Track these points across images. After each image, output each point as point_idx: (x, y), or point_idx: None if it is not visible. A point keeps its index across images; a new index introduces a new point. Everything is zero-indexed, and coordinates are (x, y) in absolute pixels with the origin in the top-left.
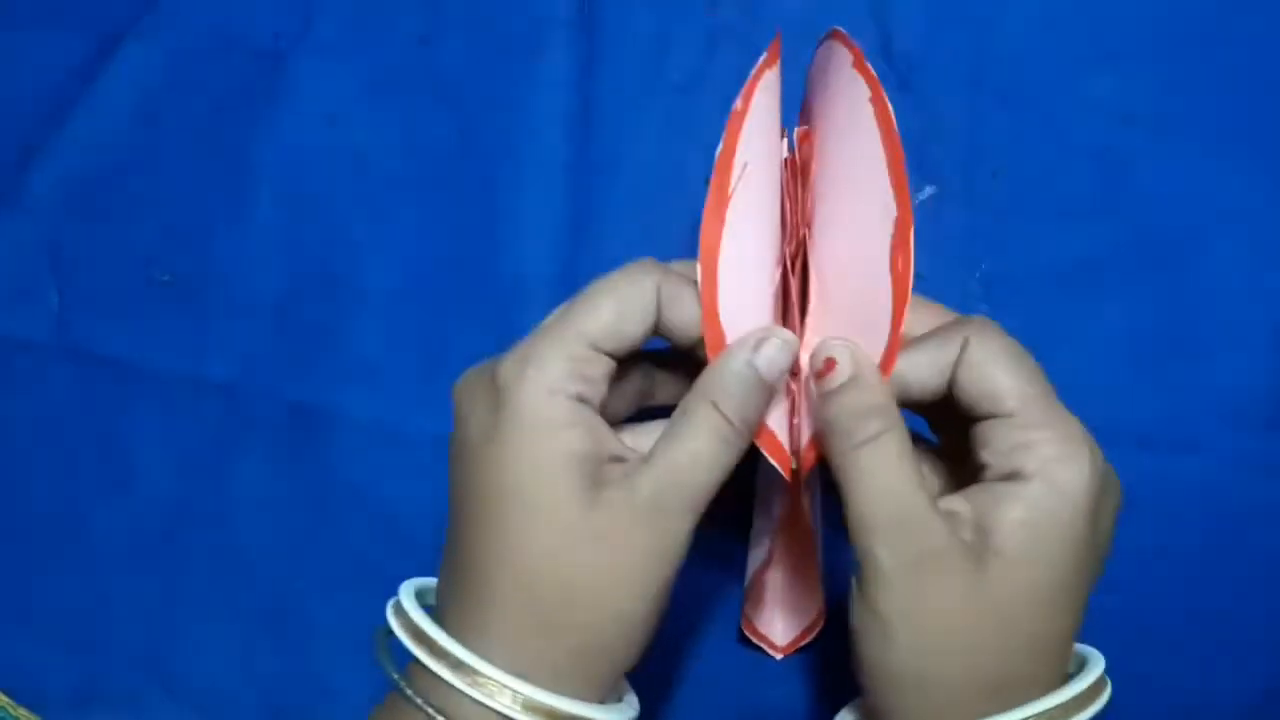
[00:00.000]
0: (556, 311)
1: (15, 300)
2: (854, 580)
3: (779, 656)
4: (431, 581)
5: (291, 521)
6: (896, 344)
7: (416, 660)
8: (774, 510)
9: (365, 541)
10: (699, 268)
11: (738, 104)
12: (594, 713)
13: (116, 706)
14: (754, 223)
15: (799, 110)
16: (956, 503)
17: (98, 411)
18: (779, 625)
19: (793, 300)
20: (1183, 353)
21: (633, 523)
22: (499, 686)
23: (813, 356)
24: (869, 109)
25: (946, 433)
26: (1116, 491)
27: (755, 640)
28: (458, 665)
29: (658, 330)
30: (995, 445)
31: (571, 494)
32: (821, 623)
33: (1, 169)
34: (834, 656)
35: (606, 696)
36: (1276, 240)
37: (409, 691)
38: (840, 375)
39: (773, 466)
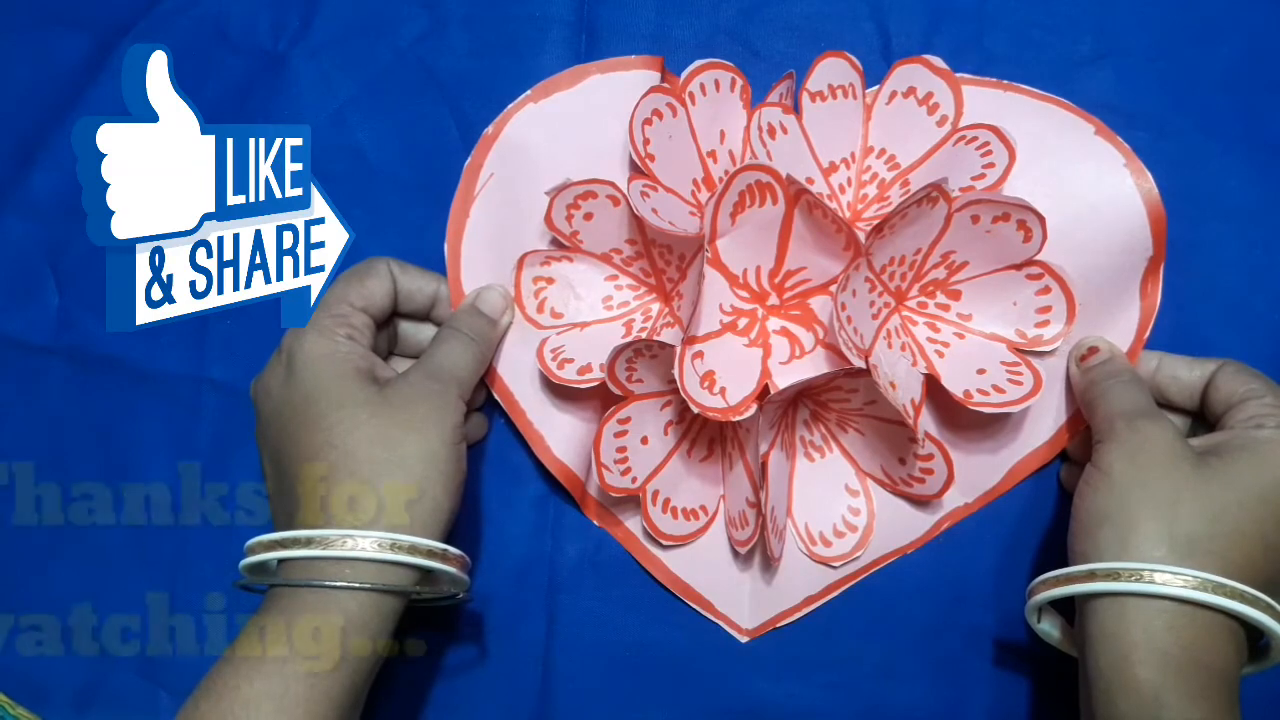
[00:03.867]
0: None
1: (15, 300)
2: (1092, 457)
3: (745, 640)
4: None
5: None
6: (1141, 342)
7: (280, 564)
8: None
9: None
10: (446, 247)
11: (489, 130)
12: (439, 546)
13: (116, 706)
14: (497, 217)
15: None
16: (1195, 439)
17: (98, 411)
18: (746, 608)
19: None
20: (1183, 352)
21: (415, 396)
22: (359, 538)
23: (1077, 346)
24: (1125, 172)
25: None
26: None
27: (719, 622)
28: (321, 542)
29: (398, 299)
30: (1239, 415)
31: (363, 386)
32: (799, 612)
33: (1, 169)
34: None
35: (441, 536)
36: (1276, 240)
37: (282, 582)
38: (1101, 357)
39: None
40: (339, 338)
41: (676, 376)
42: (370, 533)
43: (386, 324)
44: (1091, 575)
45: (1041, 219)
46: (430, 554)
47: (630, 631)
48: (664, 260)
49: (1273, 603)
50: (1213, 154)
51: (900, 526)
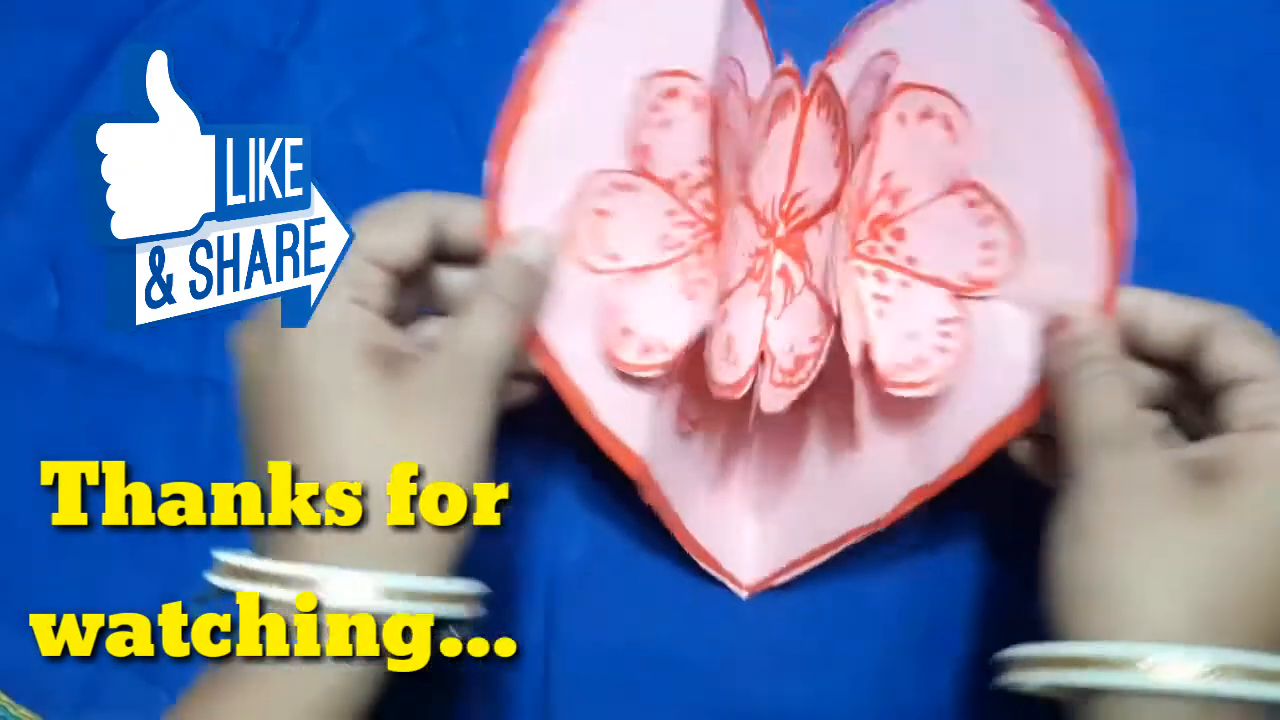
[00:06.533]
0: None
1: (15, 300)
2: (1061, 495)
3: (745, 595)
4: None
5: None
6: (1115, 281)
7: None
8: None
9: None
10: (490, 166)
11: (554, 18)
12: (449, 586)
13: (116, 707)
14: (558, 130)
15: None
16: (1188, 450)
17: (98, 411)
18: (748, 557)
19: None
20: None
21: (433, 398)
22: (348, 585)
23: (1048, 315)
24: (1062, 64)
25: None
26: None
27: (721, 578)
28: (300, 581)
29: (445, 246)
30: (1241, 407)
31: (368, 379)
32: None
33: (1, 169)
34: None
35: (450, 570)
36: (1276, 240)
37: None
38: (1075, 333)
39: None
40: (341, 302)
41: (709, 366)
42: (363, 576)
43: (418, 275)
44: (1081, 662)
45: (962, 108)
46: (438, 598)
47: (630, 631)
48: (724, 191)
49: None
50: (1213, 154)
51: (859, 504)
